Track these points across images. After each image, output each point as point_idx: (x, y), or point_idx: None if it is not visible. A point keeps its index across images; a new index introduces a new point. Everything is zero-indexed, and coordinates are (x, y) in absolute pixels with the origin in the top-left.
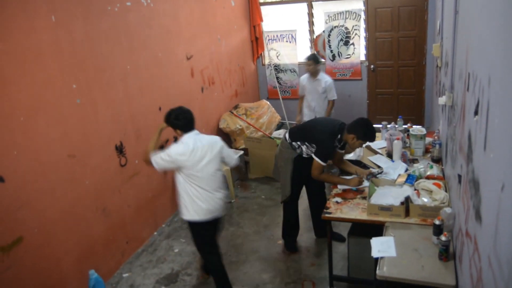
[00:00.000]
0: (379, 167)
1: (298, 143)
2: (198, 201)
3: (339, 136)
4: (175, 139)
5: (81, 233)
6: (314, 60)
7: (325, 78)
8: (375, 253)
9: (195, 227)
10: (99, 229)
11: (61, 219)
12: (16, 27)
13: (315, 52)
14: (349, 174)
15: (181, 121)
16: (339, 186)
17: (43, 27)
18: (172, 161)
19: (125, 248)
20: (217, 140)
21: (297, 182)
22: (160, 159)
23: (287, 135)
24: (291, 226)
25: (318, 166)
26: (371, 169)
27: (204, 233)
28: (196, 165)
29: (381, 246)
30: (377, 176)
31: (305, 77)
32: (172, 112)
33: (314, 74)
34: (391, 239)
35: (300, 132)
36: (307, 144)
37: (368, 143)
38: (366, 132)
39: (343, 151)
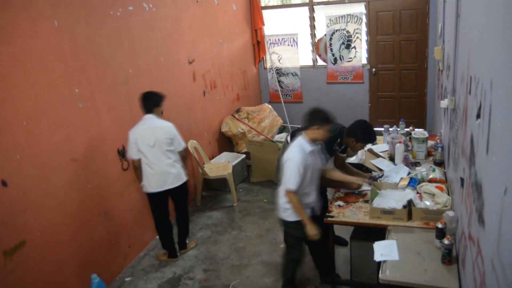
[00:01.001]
0: (381, 170)
1: None
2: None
3: (338, 140)
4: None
5: (83, 237)
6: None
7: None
8: (377, 257)
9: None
10: (101, 233)
11: (63, 223)
12: (19, 31)
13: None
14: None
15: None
16: (341, 189)
17: (46, 31)
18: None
19: (127, 252)
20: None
21: None
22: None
23: (289, 138)
24: None
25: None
26: (372, 172)
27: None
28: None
29: (383, 250)
30: (378, 179)
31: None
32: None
33: None
34: (394, 243)
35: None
36: None
37: (369, 146)
38: (365, 134)
39: (344, 155)
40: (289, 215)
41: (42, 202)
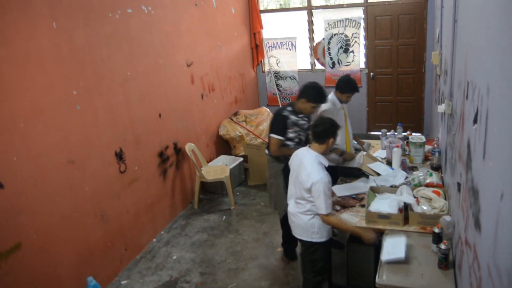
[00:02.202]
0: (378, 174)
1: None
2: None
3: (289, 108)
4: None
5: (79, 239)
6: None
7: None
8: (385, 256)
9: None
10: (97, 236)
11: (60, 225)
12: (18, 32)
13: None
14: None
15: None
16: (338, 194)
17: (44, 33)
18: None
19: (123, 254)
20: None
21: None
22: None
23: (266, 151)
24: (291, 235)
25: (275, 142)
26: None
27: None
28: None
29: (392, 248)
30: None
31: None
32: None
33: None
34: (403, 240)
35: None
36: None
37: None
38: (314, 91)
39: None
40: (320, 237)
41: (38, 204)
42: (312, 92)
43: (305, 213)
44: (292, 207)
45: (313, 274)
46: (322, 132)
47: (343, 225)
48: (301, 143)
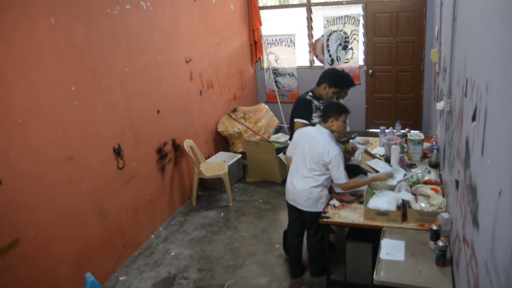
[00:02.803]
0: (376, 171)
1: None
2: None
3: (311, 93)
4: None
5: (78, 235)
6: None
7: None
8: (383, 255)
9: None
10: (96, 232)
11: (58, 221)
12: (16, 29)
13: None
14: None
15: None
16: (336, 190)
17: (43, 29)
18: None
19: (122, 251)
20: None
21: None
22: None
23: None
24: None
25: (300, 126)
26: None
27: None
28: None
29: (390, 249)
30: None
31: None
32: None
33: None
34: (402, 244)
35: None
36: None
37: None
38: (336, 77)
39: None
40: (324, 206)
41: (37, 201)
42: (334, 77)
43: (317, 187)
44: (300, 184)
45: (319, 241)
46: (324, 111)
47: (361, 183)
48: None
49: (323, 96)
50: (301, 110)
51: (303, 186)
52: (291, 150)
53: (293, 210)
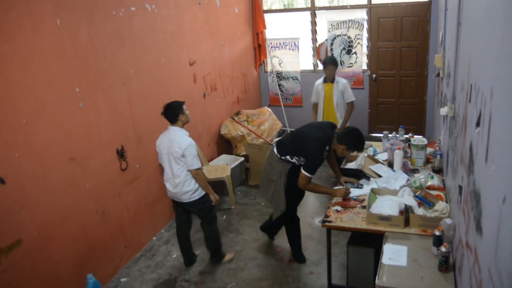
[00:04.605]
0: (380, 176)
1: (288, 157)
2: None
3: (327, 147)
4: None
5: (80, 236)
6: (335, 64)
7: (341, 80)
8: (386, 260)
9: None
10: (98, 233)
11: (60, 222)
12: (21, 28)
13: (330, 55)
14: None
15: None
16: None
17: (48, 29)
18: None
19: (123, 252)
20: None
21: (294, 195)
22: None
23: (275, 149)
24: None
25: (306, 178)
26: (346, 185)
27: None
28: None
29: (393, 254)
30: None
31: (320, 82)
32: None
33: (331, 77)
34: (405, 249)
35: (289, 145)
36: (297, 158)
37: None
38: (357, 143)
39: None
40: (200, 193)
41: (39, 201)
42: (356, 142)
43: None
44: None
45: (211, 223)
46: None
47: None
48: None
49: (337, 152)
50: (311, 164)
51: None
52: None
53: None
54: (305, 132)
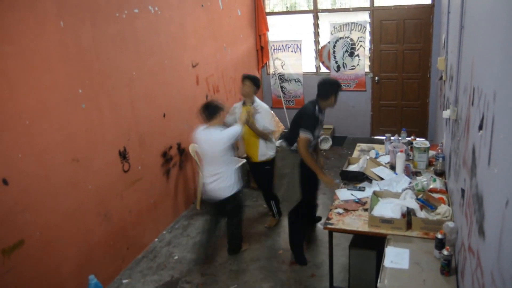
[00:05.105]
0: (381, 179)
1: (295, 145)
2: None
3: (317, 107)
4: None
5: (82, 237)
6: (254, 83)
7: (262, 106)
8: (387, 263)
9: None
10: (100, 234)
11: (62, 223)
12: (25, 30)
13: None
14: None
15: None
16: (341, 197)
17: (51, 31)
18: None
19: (125, 254)
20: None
21: (311, 183)
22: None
23: (284, 144)
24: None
25: (305, 139)
26: (333, 180)
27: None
28: None
29: (395, 257)
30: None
31: (239, 105)
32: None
33: (249, 99)
34: (407, 252)
35: (291, 131)
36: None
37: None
38: (336, 86)
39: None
40: (234, 188)
41: (42, 202)
42: (335, 84)
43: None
44: None
45: (235, 219)
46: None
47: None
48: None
49: (331, 105)
50: (307, 121)
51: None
52: None
53: None
54: (296, 113)
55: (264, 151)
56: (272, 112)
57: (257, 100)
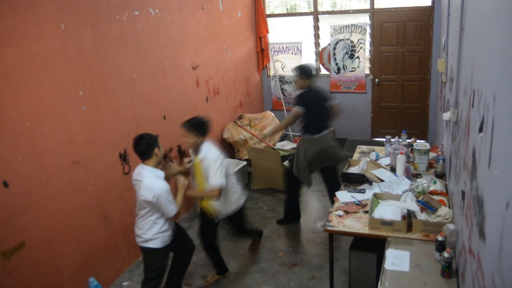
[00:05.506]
0: (382, 181)
1: (303, 129)
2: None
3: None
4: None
5: (82, 240)
6: (196, 128)
7: (208, 154)
8: (388, 265)
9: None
10: (100, 236)
11: (63, 225)
12: (26, 33)
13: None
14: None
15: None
16: (342, 199)
17: (52, 34)
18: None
19: (125, 256)
20: None
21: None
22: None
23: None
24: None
25: (295, 112)
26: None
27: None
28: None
29: (395, 260)
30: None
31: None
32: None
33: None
34: (407, 254)
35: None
36: (304, 121)
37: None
38: (308, 71)
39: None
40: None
41: (42, 204)
42: (304, 70)
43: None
44: None
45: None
46: (146, 147)
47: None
48: None
49: (303, 85)
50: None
51: None
52: None
53: None
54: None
55: (222, 208)
56: (222, 158)
57: (205, 148)
